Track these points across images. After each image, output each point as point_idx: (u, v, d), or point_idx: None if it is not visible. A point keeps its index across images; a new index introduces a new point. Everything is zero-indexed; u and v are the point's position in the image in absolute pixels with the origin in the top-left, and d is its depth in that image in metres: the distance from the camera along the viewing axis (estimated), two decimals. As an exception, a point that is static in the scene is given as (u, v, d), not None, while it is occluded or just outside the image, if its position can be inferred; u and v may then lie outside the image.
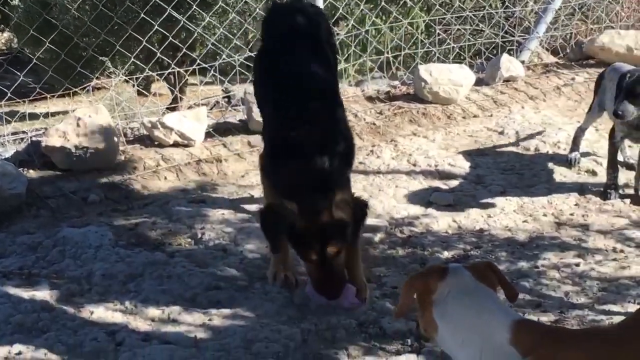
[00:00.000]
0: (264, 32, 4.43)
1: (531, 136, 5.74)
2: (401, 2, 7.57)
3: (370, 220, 4.50)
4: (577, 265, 4.11)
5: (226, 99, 6.71)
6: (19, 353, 3.37)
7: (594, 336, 2.47)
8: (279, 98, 3.94)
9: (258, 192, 4.81)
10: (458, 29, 7.42)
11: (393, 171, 5.24)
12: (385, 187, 5.02)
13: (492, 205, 4.79)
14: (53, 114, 7.02)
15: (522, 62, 6.97)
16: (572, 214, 4.71)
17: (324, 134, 3.75)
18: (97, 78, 6.61)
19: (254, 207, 4.60)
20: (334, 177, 3.68)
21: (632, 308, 3.67)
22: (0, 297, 3.79)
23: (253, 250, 4.24)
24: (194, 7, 6.48)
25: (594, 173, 5.21)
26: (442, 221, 4.60)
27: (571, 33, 7.49)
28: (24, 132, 5.79)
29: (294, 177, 3.68)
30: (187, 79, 7.22)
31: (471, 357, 2.34)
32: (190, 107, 6.14)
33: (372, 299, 3.78)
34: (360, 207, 3.75)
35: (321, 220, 3.54)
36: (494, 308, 2.40)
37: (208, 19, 6.61)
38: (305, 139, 3.71)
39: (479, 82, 6.58)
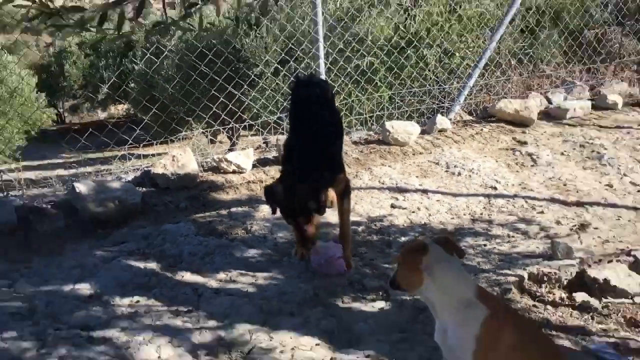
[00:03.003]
0: (292, 94, 4.35)
1: (456, 166, 5.77)
2: (374, 82, 7.63)
3: (355, 218, 4.56)
4: (485, 245, 4.16)
5: (265, 144, 6.74)
6: (138, 301, 3.44)
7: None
8: (297, 132, 3.88)
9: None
10: (409, 99, 7.48)
11: (369, 187, 5.26)
12: (365, 197, 5.05)
13: (432, 208, 4.82)
14: (156, 155, 7.07)
15: (450, 119, 6.99)
16: (481, 214, 4.74)
17: (322, 150, 3.66)
18: (184, 131, 6.65)
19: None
20: (317, 174, 3.50)
21: (519, 272, 3.70)
22: (124, 268, 3.84)
23: (282, 237, 4.28)
24: (245, 86, 6.54)
25: (494, 188, 5.23)
26: (400, 218, 4.63)
27: (480, 101, 7.53)
28: (139, 165, 5.83)
29: (289, 171, 3.62)
30: (240, 132, 7.27)
31: (446, 304, 2.29)
32: (243, 149, 6.17)
33: (357, 267, 3.82)
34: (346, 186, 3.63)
35: (299, 196, 3.43)
36: (463, 275, 2.36)
37: (254, 93, 6.66)
38: (306, 150, 3.64)
39: (423, 132, 6.58)
